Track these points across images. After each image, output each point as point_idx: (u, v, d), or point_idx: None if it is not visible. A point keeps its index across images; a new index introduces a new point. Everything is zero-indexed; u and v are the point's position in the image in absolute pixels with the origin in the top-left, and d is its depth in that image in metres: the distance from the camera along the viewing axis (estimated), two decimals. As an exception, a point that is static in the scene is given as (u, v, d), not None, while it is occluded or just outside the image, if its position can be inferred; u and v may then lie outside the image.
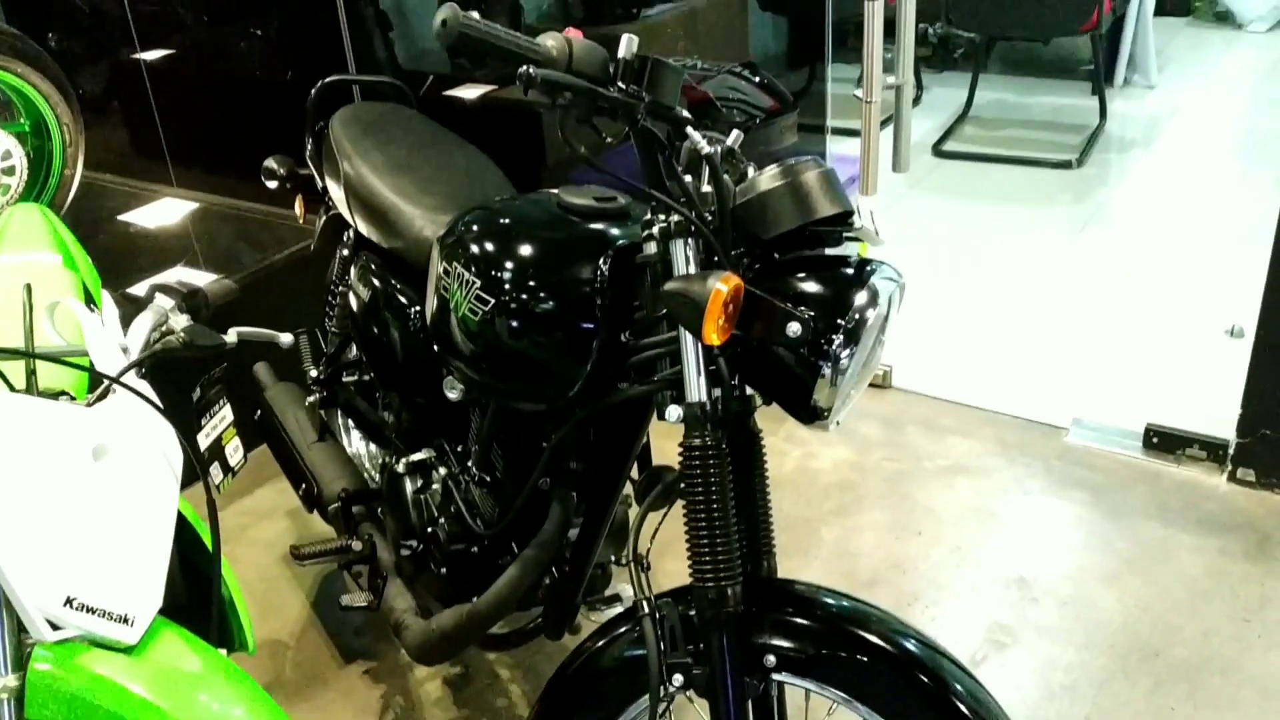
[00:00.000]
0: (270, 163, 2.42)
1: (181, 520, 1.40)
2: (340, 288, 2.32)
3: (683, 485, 1.43)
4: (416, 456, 2.00)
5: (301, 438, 2.40)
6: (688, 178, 1.44)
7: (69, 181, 3.23)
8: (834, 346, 1.36)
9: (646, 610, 1.47)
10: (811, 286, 1.41)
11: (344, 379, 2.35)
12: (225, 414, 1.69)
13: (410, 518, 2.00)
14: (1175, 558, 2.50)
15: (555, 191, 1.69)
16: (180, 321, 1.49)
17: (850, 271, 1.44)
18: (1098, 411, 2.99)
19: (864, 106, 2.82)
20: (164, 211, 3.70)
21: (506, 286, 1.59)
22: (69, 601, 1.19)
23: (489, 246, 1.63)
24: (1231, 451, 2.69)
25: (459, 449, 1.98)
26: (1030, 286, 3.78)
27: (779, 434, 3.05)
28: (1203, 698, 2.14)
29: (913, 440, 3.00)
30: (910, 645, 1.43)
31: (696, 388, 1.43)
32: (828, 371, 1.38)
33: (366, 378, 2.32)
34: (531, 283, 1.59)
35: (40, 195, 3.19)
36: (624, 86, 1.36)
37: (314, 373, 2.40)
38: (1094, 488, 2.75)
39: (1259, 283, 2.54)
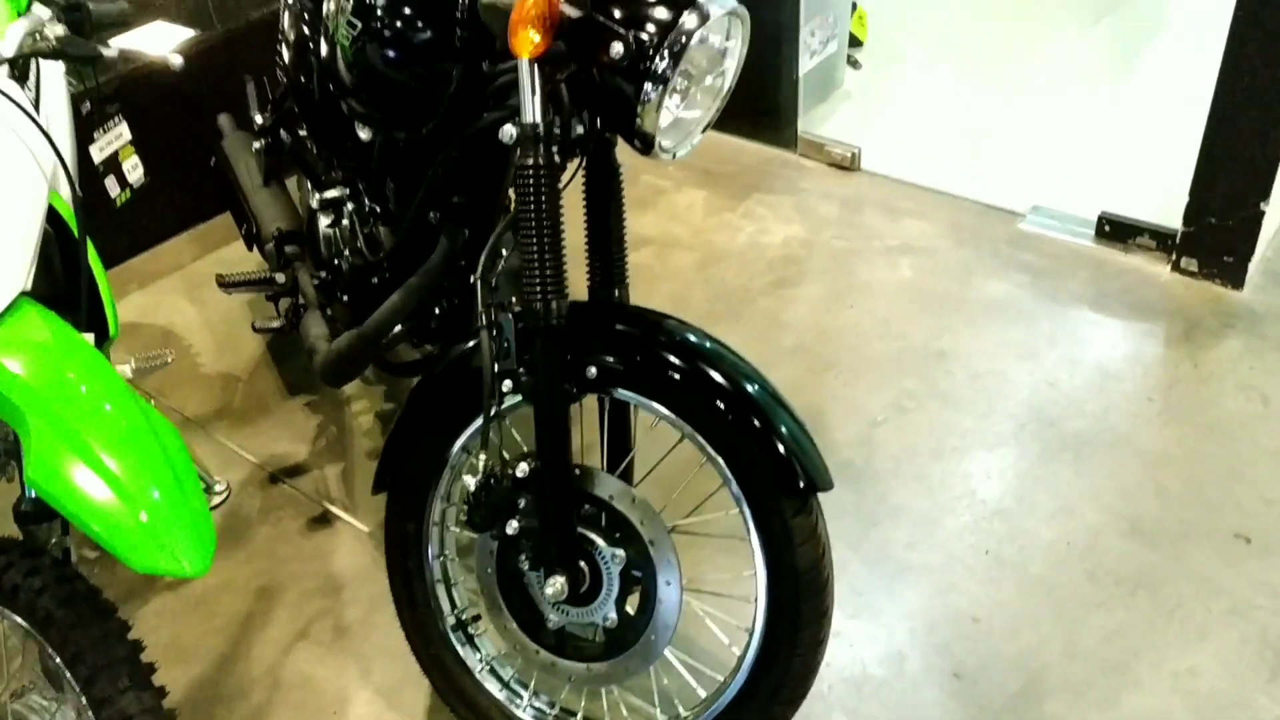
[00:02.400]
0: None
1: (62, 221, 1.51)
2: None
3: (516, 204, 1.50)
4: (330, 194, 2.08)
5: (249, 182, 2.50)
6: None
7: None
8: (657, 67, 1.39)
9: (485, 323, 1.56)
10: (639, 7, 1.43)
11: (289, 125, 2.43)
12: (121, 131, 1.78)
13: (322, 250, 2.11)
14: (1098, 340, 2.53)
15: None
16: (56, 30, 1.56)
17: None
18: (1058, 200, 2.96)
19: None
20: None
21: (375, 10, 1.63)
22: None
23: None
24: (1177, 241, 2.66)
25: (366, 187, 2.06)
26: (1023, 76, 3.67)
27: (737, 210, 3.08)
28: (1086, 466, 2.21)
29: (868, 220, 3.01)
30: (734, 375, 1.51)
31: (530, 108, 1.46)
32: (653, 95, 1.41)
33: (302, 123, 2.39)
34: (395, 7, 1.62)
35: None
36: None
37: (259, 119, 2.47)
38: (1036, 271, 2.76)
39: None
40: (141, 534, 1.21)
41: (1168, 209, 2.70)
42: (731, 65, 1.55)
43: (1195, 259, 2.64)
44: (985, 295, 2.69)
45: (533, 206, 1.48)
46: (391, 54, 1.63)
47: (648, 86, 1.41)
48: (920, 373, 2.48)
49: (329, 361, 2.03)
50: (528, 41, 1.34)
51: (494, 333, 1.55)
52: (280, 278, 2.24)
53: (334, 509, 2.26)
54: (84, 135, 1.72)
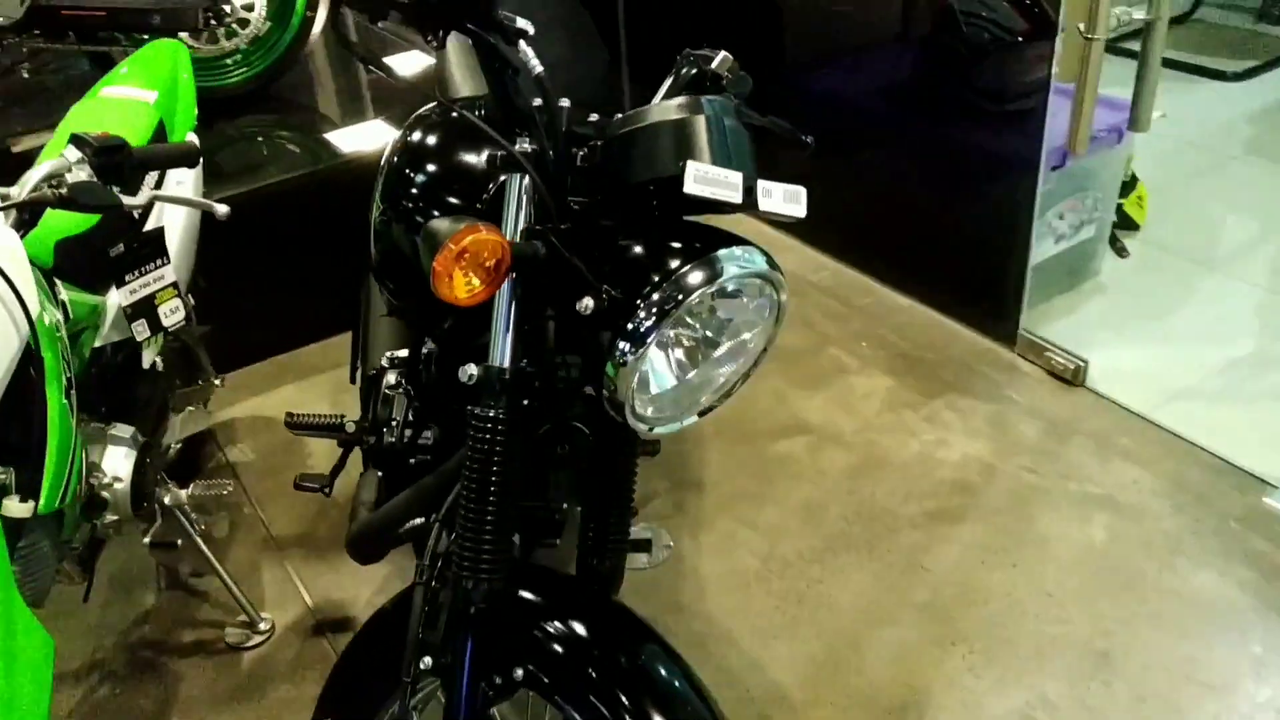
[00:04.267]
0: None
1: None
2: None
3: (466, 456, 1.25)
4: (400, 353, 1.93)
5: (375, 310, 2.41)
6: (537, 100, 1.21)
7: (310, 24, 3.40)
8: (638, 325, 1.12)
9: (422, 578, 1.32)
10: (637, 252, 1.16)
11: None
12: (163, 274, 1.70)
13: (376, 412, 1.95)
14: (1328, 687, 1.92)
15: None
16: (78, 175, 1.49)
17: (698, 245, 1.16)
18: (1327, 476, 2.34)
19: (1081, 43, 2.29)
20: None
21: (394, 193, 1.46)
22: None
23: (390, 152, 1.51)
24: None
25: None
26: (1340, 299, 3.00)
27: (920, 411, 2.67)
28: None
29: (1072, 454, 2.51)
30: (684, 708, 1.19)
31: (499, 350, 1.23)
32: (629, 357, 1.14)
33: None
34: (413, 192, 1.44)
35: (282, 35, 3.38)
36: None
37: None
38: (1269, 568, 2.16)
39: None
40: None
41: None
42: (757, 339, 1.24)
43: None
44: (1189, 587, 2.14)
45: (479, 463, 1.23)
46: (402, 242, 1.45)
47: (623, 346, 1.13)
48: (1070, 676, 1.98)
49: (355, 534, 1.86)
50: (459, 287, 1.10)
51: (425, 594, 1.31)
52: (350, 425, 2.10)
53: (360, 681, 2.08)
54: (115, 277, 1.65)
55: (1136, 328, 2.91)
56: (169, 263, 1.71)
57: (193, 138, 2.19)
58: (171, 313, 1.72)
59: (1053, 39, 2.46)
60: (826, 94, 3.30)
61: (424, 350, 1.72)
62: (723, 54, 1.43)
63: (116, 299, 1.79)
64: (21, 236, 1.46)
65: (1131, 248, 3.28)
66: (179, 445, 2.55)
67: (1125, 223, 3.31)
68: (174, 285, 1.72)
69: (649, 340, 1.12)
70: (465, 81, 1.99)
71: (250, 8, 3.27)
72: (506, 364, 1.22)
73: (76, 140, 1.51)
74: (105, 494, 1.85)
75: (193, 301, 2.41)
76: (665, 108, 1.18)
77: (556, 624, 1.27)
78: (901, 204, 3.13)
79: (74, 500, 1.54)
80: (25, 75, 2.91)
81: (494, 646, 1.25)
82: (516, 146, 1.20)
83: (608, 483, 1.40)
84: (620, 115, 1.22)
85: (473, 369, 1.24)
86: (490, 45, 1.17)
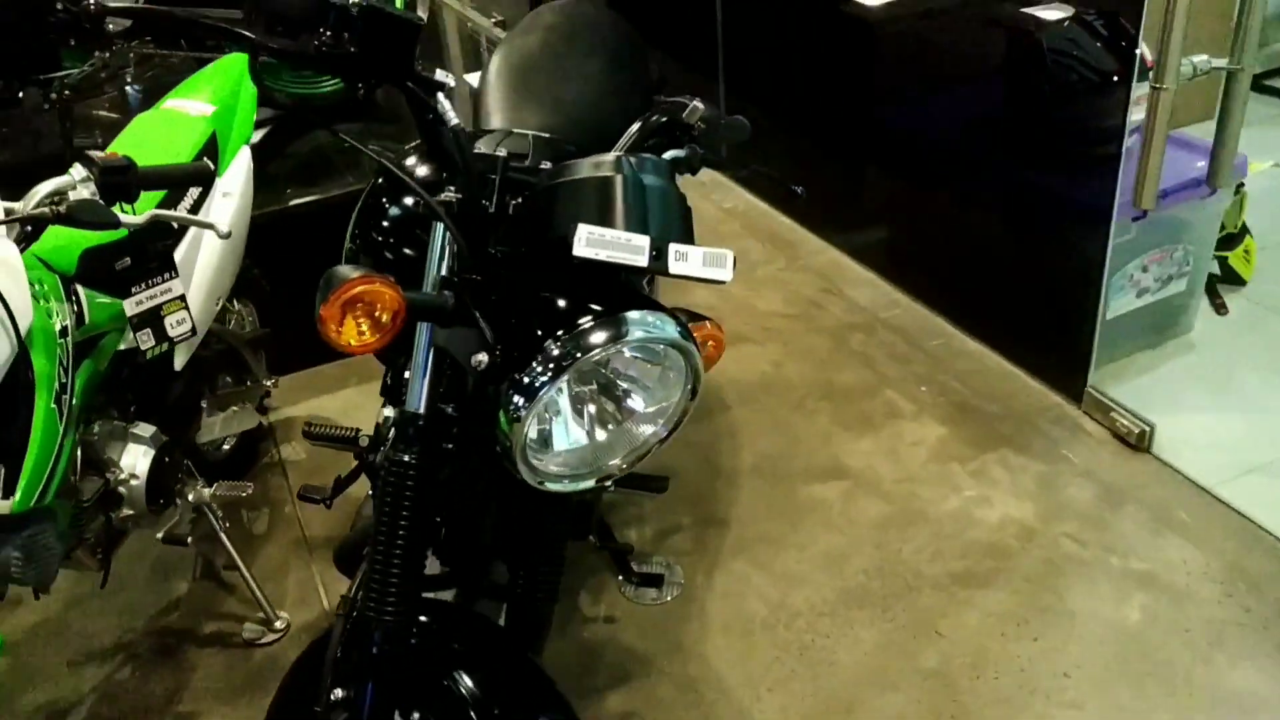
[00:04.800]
0: None
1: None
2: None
3: (375, 498, 1.26)
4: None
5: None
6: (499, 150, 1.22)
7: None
8: (530, 380, 1.11)
9: (342, 609, 1.34)
10: (545, 305, 1.15)
11: None
12: (170, 287, 1.78)
13: (377, 428, 1.98)
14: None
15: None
16: (81, 193, 1.57)
17: (608, 305, 1.14)
18: (1403, 575, 2.13)
19: (1150, 93, 2.15)
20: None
21: (364, 226, 1.49)
22: None
23: (368, 188, 1.55)
24: None
25: None
26: None
27: (968, 465, 2.56)
28: None
29: (1122, 524, 2.36)
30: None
31: (415, 394, 1.24)
32: (521, 412, 1.13)
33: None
34: (376, 228, 1.47)
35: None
36: (324, 38, 1.15)
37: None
38: (1318, 673, 1.99)
39: None
40: None
41: None
42: (672, 407, 1.21)
43: None
44: (1225, 685, 1.98)
45: (389, 508, 1.24)
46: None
47: (516, 399, 1.12)
48: (1072, 767, 1.86)
49: (339, 547, 1.90)
50: (346, 334, 1.11)
51: (344, 625, 1.32)
52: (365, 440, 2.15)
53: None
54: (122, 288, 1.73)
55: (1218, 392, 2.72)
56: (175, 277, 1.78)
57: (246, 152, 2.28)
58: (178, 324, 1.79)
59: (1135, 83, 2.32)
60: (911, 122, 3.20)
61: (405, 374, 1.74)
62: (694, 103, 1.41)
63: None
64: (24, 249, 1.55)
65: (1233, 305, 3.06)
66: (233, 442, 2.66)
67: (1229, 277, 3.10)
68: (181, 298, 1.79)
69: (540, 395, 1.11)
70: (498, 113, 2.01)
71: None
72: (421, 409, 1.22)
73: (84, 159, 1.59)
74: (122, 489, 1.94)
75: (237, 308, 2.51)
76: (585, 164, 1.16)
77: (465, 674, 1.27)
78: (980, 244, 3.01)
79: (55, 498, 1.62)
80: (129, 79, 3.08)
81: (395, 687, 1.25)
82: (444, 195, 1.20)
83: (534, 534, 1.39)
84: (554, 167, 1.21)
85: (390, 411, 1.25)
86: (416, 97, 1.17)
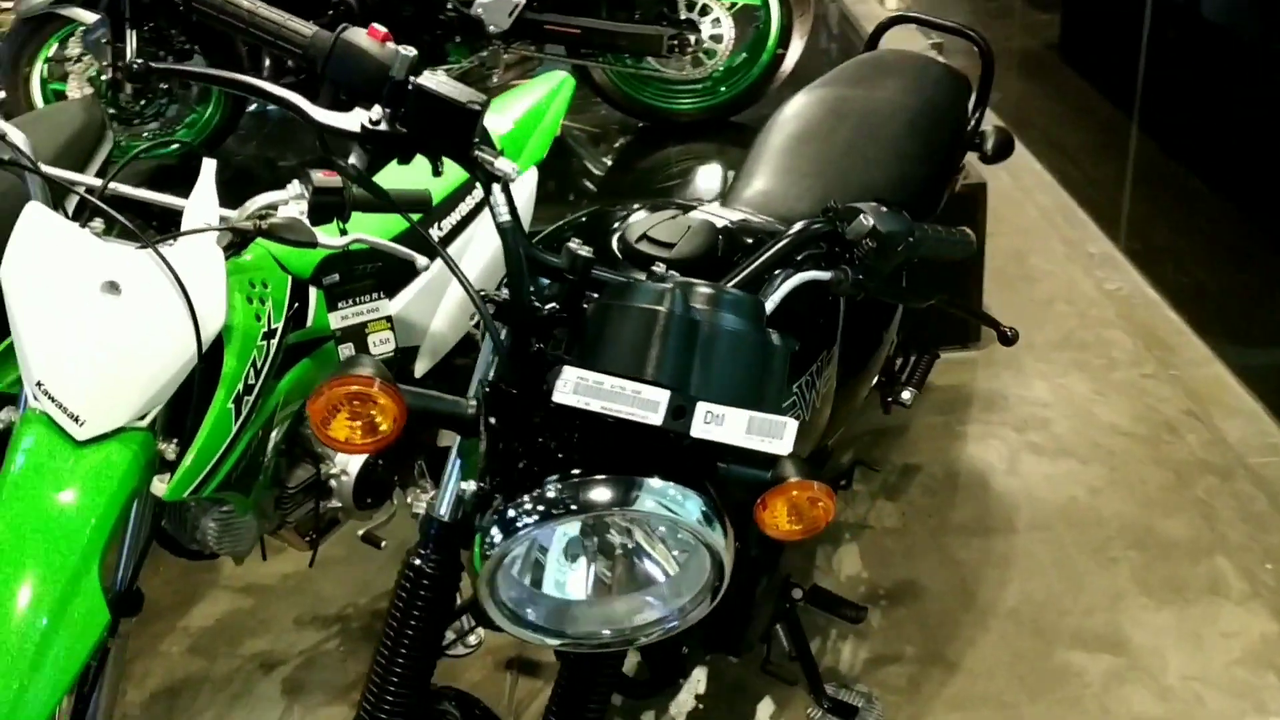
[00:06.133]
0: None
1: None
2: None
3: (391, 600, 1.18)
4: None
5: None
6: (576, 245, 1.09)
7: (780, 61, 3.34)
8: (515, 515, 0.99)
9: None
10: (565, 438, 1.01)
11: None
12: (377, 307, 1.80)
13: None
14: None
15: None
16: (289, 211, 1.63)
17: (634, 461, 0.98)
18: None
19: None
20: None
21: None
22: (38, 384, 1.51)
23: None
24: None
25: None
26: None
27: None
28: None
29: None
30: None
31: (443, 499, 1.13)
32: (494, 548, 1.00)
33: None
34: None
35: (749, 70, 3.38)
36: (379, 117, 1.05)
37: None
38: None
39: None
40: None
41: None
42: (682, 592, 1.01)
43: None
44: None
45: (400, 612, 1.16)
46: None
47: (494, 532, 1.00)
48: None
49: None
50: (339, 428, 1.02)
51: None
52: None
53: None
54: (329, 303, 1.78)
55: None
56: (383, 298, 1.80)
57: (533, 173, 2.28)
58: (381, 343, 1.82)
59: None
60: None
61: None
62: (862, 216, 1.16)
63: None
64: (231, 256, 1.63)
65: None
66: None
67: None
68: (387, 319, 1.81)
69: (518, 536, 0.96)
70: (744, 179, 1.86)
71: (719, 39, 3.31)
72: (445, 515, 1.12)
73: (302, 175, 1.64)
74: (332, 482, 2.03)
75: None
76: (633, 289, 0.98)
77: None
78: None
79: (215, 491, 1.69)
80: (493, 81, 3.23)
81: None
82: (496, 291, 1.08)
83: (574, 670, 1.23)
84: (615, 282, 1.04)
85: (422, 506, 1.16)
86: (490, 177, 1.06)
